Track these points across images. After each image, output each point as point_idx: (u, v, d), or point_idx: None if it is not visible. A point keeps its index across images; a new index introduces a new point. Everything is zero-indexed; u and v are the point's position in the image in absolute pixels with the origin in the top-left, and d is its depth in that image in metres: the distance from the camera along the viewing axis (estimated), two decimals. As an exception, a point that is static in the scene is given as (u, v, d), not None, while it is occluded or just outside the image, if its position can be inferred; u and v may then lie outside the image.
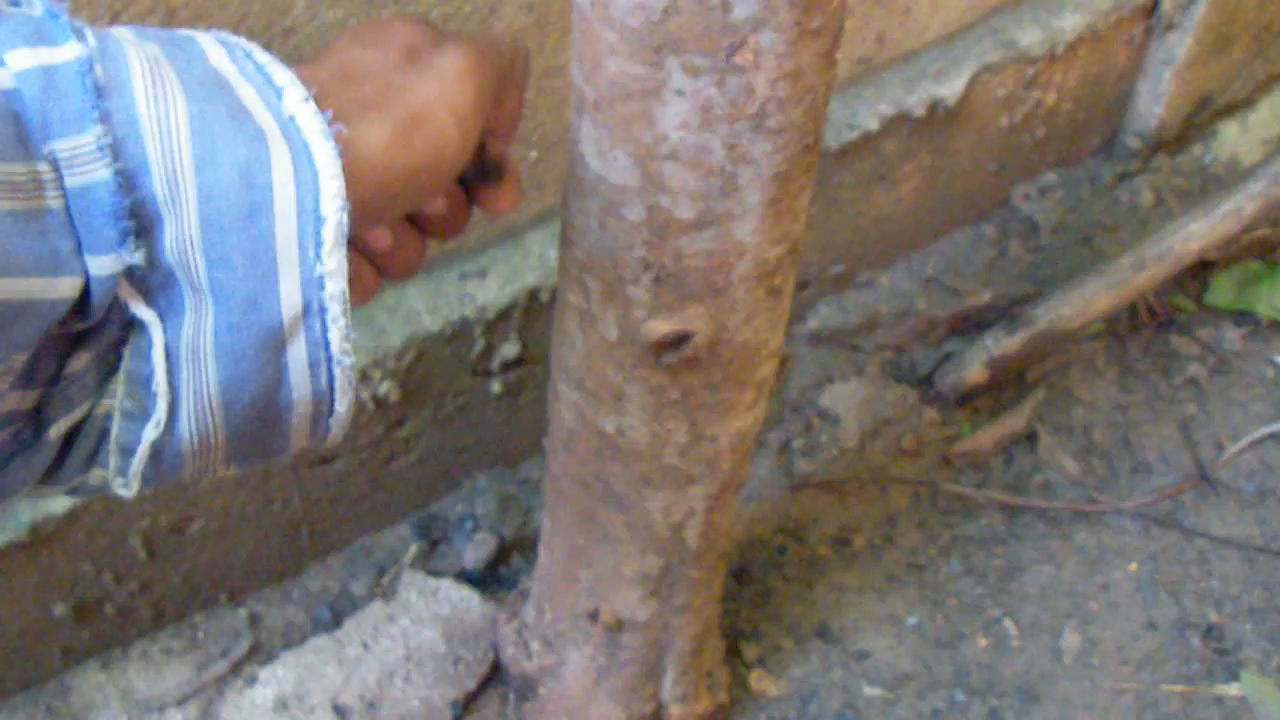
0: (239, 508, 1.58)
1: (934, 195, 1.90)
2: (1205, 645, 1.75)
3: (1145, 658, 1.74)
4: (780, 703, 1.67)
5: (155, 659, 1.67)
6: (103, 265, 0.54)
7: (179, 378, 0.59)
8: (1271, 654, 1.75)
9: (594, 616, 1.43)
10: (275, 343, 0.59)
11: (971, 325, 1.92)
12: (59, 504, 1.45)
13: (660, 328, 1.07)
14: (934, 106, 1.77)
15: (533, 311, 1.58)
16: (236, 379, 0.59)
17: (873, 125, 1.72)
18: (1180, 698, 1.71)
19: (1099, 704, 1.70)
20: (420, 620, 1.66)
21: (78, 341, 0.58)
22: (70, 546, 1.49)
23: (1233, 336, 2.02)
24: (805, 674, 1.69)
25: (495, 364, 1.62)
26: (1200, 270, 2.07)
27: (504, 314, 1.56)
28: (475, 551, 1.71)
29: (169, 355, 0.58)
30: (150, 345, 0.58)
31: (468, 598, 1.67)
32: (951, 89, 1.79)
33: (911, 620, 1.74)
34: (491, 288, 1.55)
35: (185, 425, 0.60)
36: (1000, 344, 1.85)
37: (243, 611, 1.70)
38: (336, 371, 0.62)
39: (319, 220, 0.58)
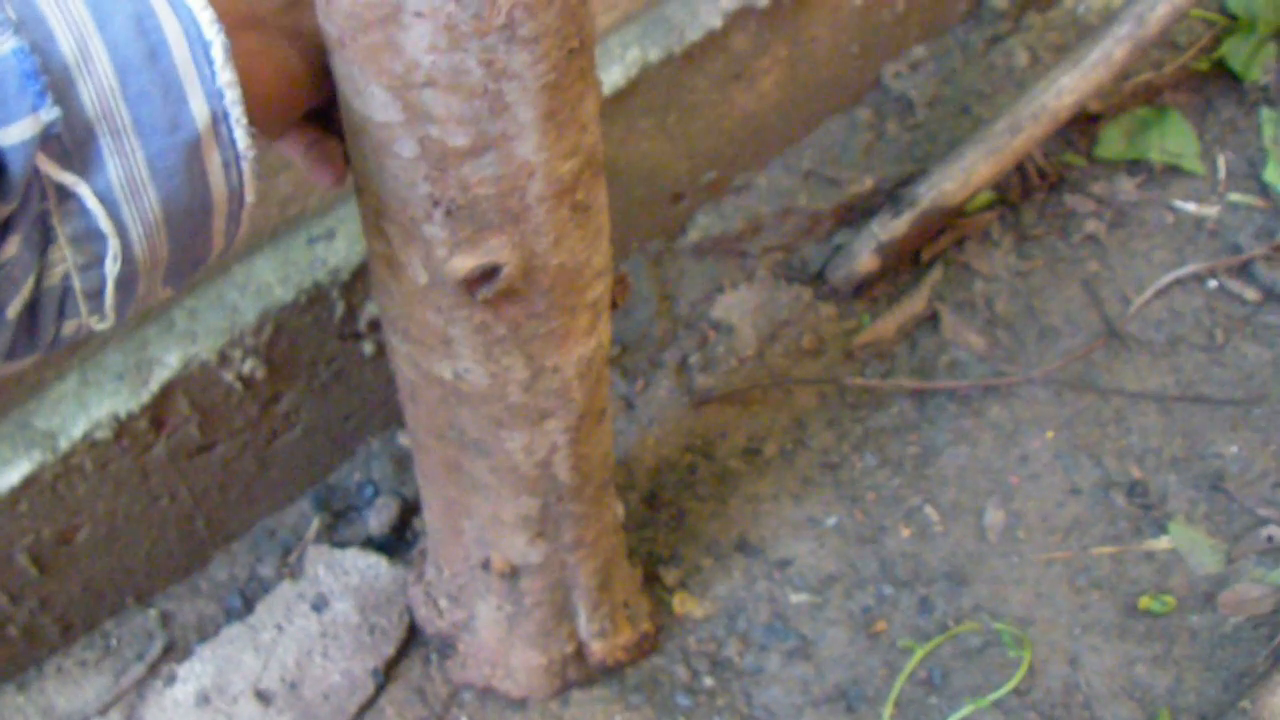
0: (124, 509, 1.54)
1: (798, 86, 1.85)
2: (1130, 503, 1.73)
3: (1071, 524, 1.71)
4: (707, 623, 1.65)
5: (71, 673, 1.64)
6: (21, 131, 0.62)
7: (121, 213, 0.70)
8: (1198, 502, 1.72)
9: (486, 566, 1.40)
10: (196, 152, 0.72)
11: (857, 214, 1.88)
12: (-70, 533, 1.41)
13: (465, 264, 1.03)
14: (780, -5, 1.71)
15: (390, 266, 1.54)
16: (172, 193, 0.72)
17: (716, 22, 1.66)
18: (1111, 559, 1.69)
19: (1029, 577, 1.67)
20: (331, 593, 1.63)
21: (3, 231, 0.65)
22: (-46, 574, 1.46)
23: (1128, 187, 1.98)
24: (729, 590, 1.67)
25: (362, 324, 1.58)
26: (1088, 124, 2.03)
27: (359, 273, 1.52)
28: (378, 517, 1.67)
29: (104, 200, 0.69)
30: (83, 200, 0.68)
31: (375, 564, 1.64)
32: (797, -27, 1.73)
33: (831, 521, 1.72)
34: (341, 248, 1.51)
35: (138, 249, 0.73)
36: (887, 228, 1.81)
37: (153, 612, 1.67)
38: (245, 166, 0.76)
39: (206, 44, 0.71)
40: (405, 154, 0.96)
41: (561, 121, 0.97)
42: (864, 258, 1.82)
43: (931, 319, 1.86)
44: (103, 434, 1.44)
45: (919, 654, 1.61)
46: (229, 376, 1.49)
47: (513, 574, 1.40)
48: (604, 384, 1.24)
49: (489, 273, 1.04)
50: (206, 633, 1.65)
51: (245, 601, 1.66)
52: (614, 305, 1.20)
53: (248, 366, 1.50)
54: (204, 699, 1.60)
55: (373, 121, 0.95)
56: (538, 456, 1.24)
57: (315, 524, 1.68)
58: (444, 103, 0.92)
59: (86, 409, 1.44)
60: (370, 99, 0.93)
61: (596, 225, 1.09)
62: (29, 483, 1.43)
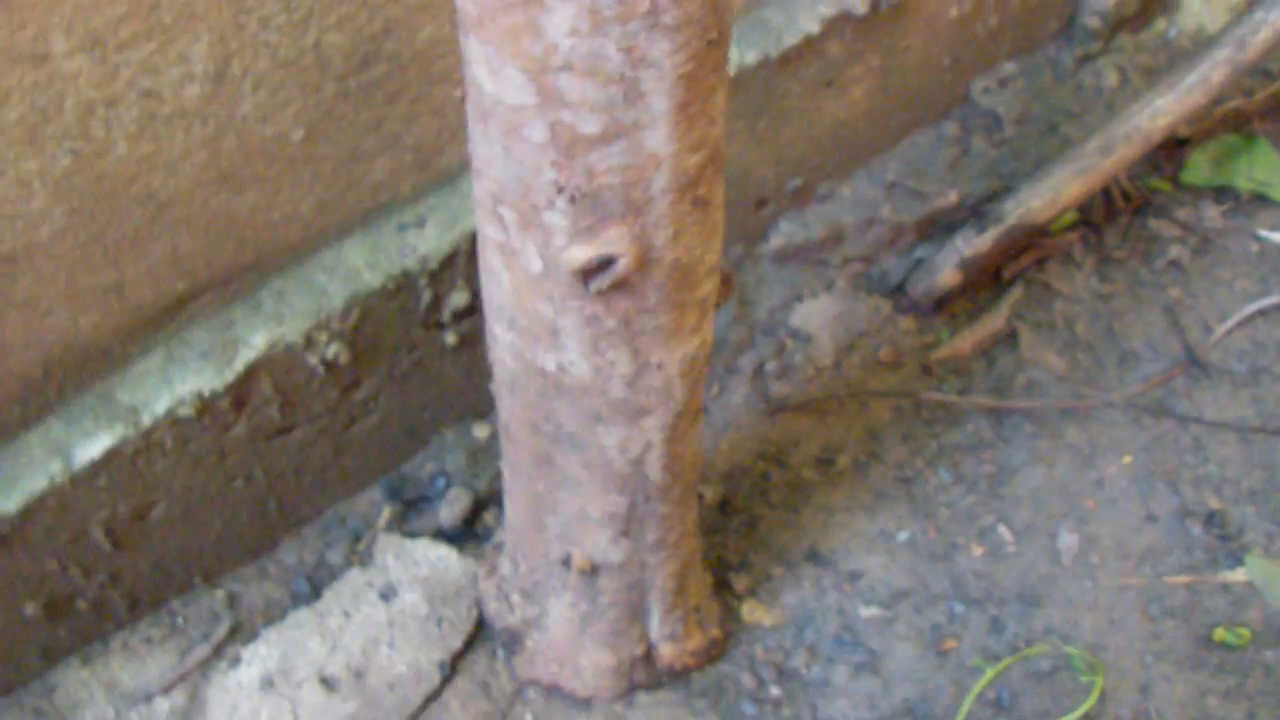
0: (200, 488, 1.53)
1: (888, 97, 1.83)
2: (1207, 533, 1.70)
3: (1146, 551, 1.69)
4: (775, 632, 1.63)
5: (136, 649, 1.64)
6: None
7: None
8: (1275, 535, 1.70)
9: (567, 563, 1.39)
10: None
11: (940, 228, 1.87)
12: (11, 502, 1.41)
13: (582, 253, 1.02)
14: (877, 3, 1.70)
15: (477, 256, 1.53)
16: None
17: (814, 28, 1.65)
18: (1185, 589, 1.66)
19: (1102, 602, 1.65)
20: (400, 583, 1.62)
21: None
22: (30, 544, 1.45)
23: (1213, 214, 1.96)
24: (799, 600, 1.65)
25: (446, 315, 1.57)
26: (1175, 149, 2.00)
27: (447, 262, 1.51)
28: (450, 509, 1.66)
29: None
30: None
31: (446, 556, 1.63)
32: (895, -16, 1.72)
33: (903, 535, 1.70)
34: (431, 236, 1.50)
35: None
36: (971, 244, 1.80)
37: (220, 592, 1.66)
38: None
39: None
40: (535, 138, 0.95)
41: (693, 114, 0.96)
42: (946, 272, 1.80)
43: (1010, 337, 1.84)
44: (185, 411, 1.44)
45: (989, 674, 1.59)
46: (313, 360, 1.49)
47: (592, 572, 1.38)
48: (702, 384, 1.22)
49: (605, 264, 1.03)
50: (272, 616, 1.65)
51: (313, 587, 1.66)
52: (716, 304, 1.19)
53: (332, 351, 1.49)
54: (268, 683, 1.59)
55: (504, 104, 0.94)
56: (632, 454, 1.23)
57: (386, 513, 1.67)
58: (579, 88, 0.91)
59: (170, 385, 1.44)
60: (505, 81, 0.92)
61: (714, 222, 1.08)
62: (109, 456, 1.43)
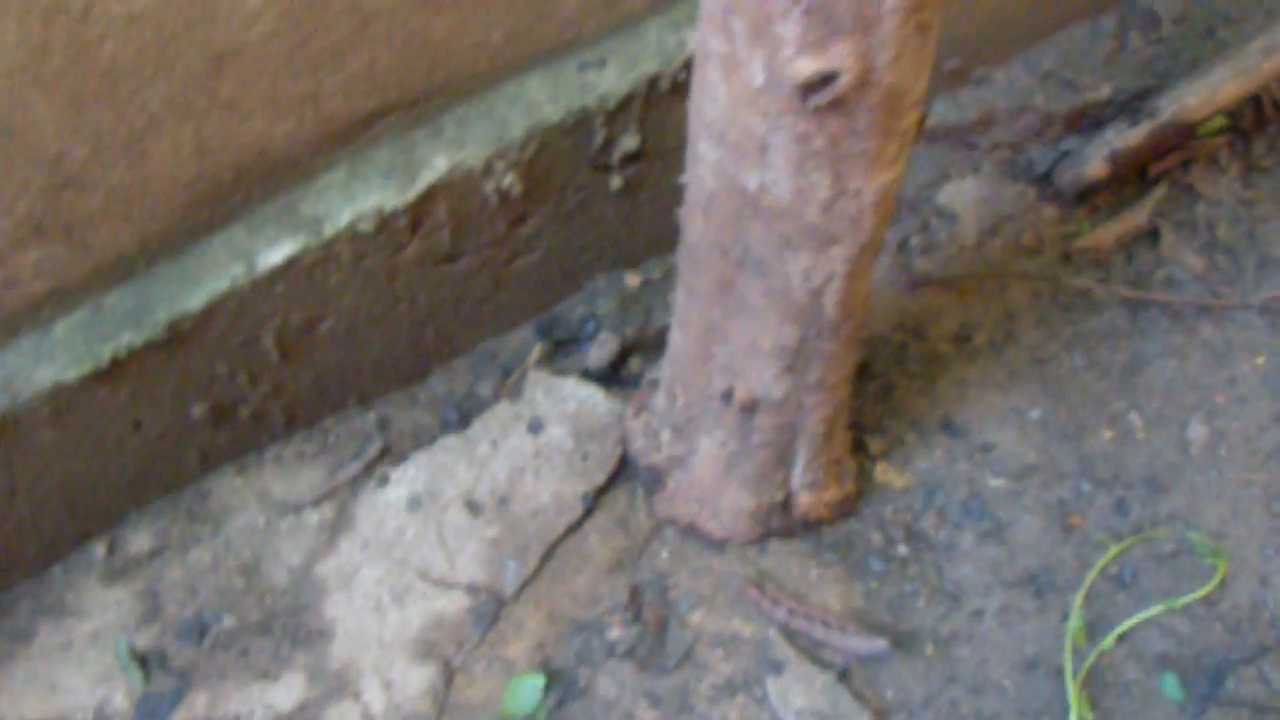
0: (367, 307, 1.59)
1: (1052, -15, 1.85)
2: (1336, 434, 1.73)
3: (1274, 449, 1.71)
4: (906, 494, 1.68)
5: (289, 462, 1.71)
6: None
7: None
8: (1404, 441, 1.72)
9: (728, 397, 1.43)
10: None
11: (1089, 122, 1.88)
12: (195, 300, 1.47)
13: (809, 66, 1.05)
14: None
15: (652, 101, 1.56)
16: None
17: (993, -95, 1.67)
18: (1310, 486, 1.69)
19: (1226, 494, 1.68)
20: (547, 417, 1.68)
21: None
22: (206, 345, 1.51)
23: (1361, 130, 1.96)
24: (930, 466, 1.69)
25: (615, 157, 1.61)
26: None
27: (624, 103, 1.54)
28: (598, 352, 1.71)
29: None
30: None
31: (593, 395, 1.68)
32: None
33: (1035, 413, 1.73)
34: (611, 76, 1.54)
35: None
36: (1122, 137, 1.81)
37: (372, 415, 1.73)
38: None
39: None
40: (782, -57, 0.98)
41: (936, -70, 0.98)
42: (1094, 164, 1.82)
43: (1151, 234, 1.86)
44: (365, 226, 1.49)
45: (1113, 550, 1.63)
46: (488, 188, 1.53)
47: (751, 408, 1.43)
48: (888, 219, 1.26)
49: (828, 79, 1.06)
50: (421, 442, 1.71)
51: (461, 416, 1.71)
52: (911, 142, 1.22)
53: (507, 181, 1.53)
54: (415, 503, 1.65)
55: (757, -94, 0.97)
56: (814, 283, 1.26)
57: (537, 350, 1.73)
58: (836, -108, 0.94)
59: (353, 200, 1.49)
60: (765, -120, 0.95)
61: (928, 52, 1.11)
62: (290, 264, 1.48)
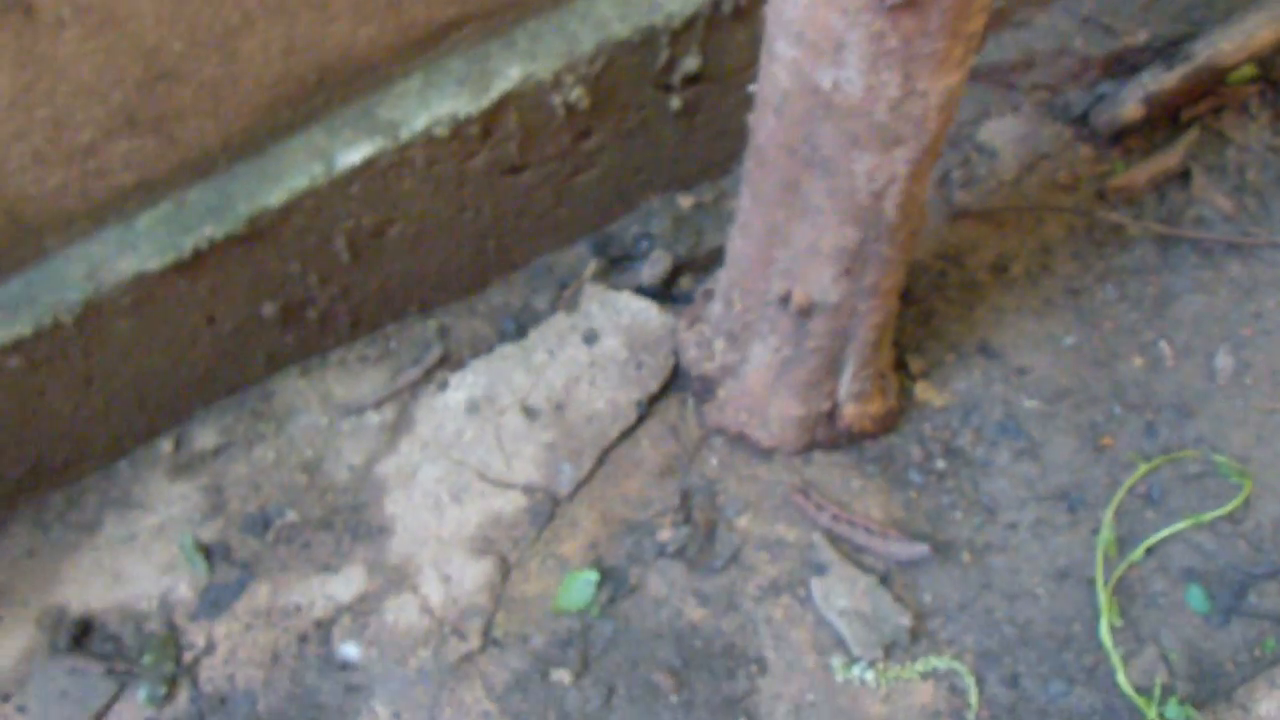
0: (435, 214, 1.65)
1: (1096, -70, 1.92)
2: (1357, 368, 1.80)
3: (1297, 380, 1.79)
4: (944, 413, 1.75)
5: (352, 366, 1.77)
6: None
7: None
8: None
9: (785, 301, 1.50)
10: None
11: (1125, 66, 1.95)
12: (274, 196, 1.53)
13: (890, -39, 1.11)
14: None
15: (714, 23, 1.63)
16: None
17: None
18: (1332, 416, 1.76)
19: (1252, 421, 1.75)
20: (603, 329, 1.74)
21: None
22: (282, 243, 1.58)
23: (1387, 83, 2.03)
24: (968, 387, 1.76)
25: (676, 78, 1.67)
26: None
27: (689, 23, 1.61)
28: (652, 269, 1.78)
29: None
30: None
31: (647, 308, 1.75)
32: None
33: (1069, 340, 1.80)
34: (678, -4, 1.60)
35: None
36: (1158, 79, 1.88)
37: (433, 323, 1.79)
38: None
39: None
40: None
41: None
42: (1130, 106, 1.89)
43: (1183, 176, 1.93)
44: (440, 131, 1.55)
45: (1142, 469, 1.70)
46: (556, 100, 1.60)
47: (807, 312, 1.49)
48: (949, 124, 1.32)
49: (907, -25, 1.13)
50: (479, 350, 1.77)
51: (518, 327, 1.78)
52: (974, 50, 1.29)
53: (575, 94, 1.60)
54: (474, 407, 1.72)
55: None
56: (877, 185, 1.33)
57: (592, 265, 1.79)
58: None
59: (428, 106, 1.55)
60: None
61: (1001, -47, 1.17)
62: (366, 165, 1.55)
